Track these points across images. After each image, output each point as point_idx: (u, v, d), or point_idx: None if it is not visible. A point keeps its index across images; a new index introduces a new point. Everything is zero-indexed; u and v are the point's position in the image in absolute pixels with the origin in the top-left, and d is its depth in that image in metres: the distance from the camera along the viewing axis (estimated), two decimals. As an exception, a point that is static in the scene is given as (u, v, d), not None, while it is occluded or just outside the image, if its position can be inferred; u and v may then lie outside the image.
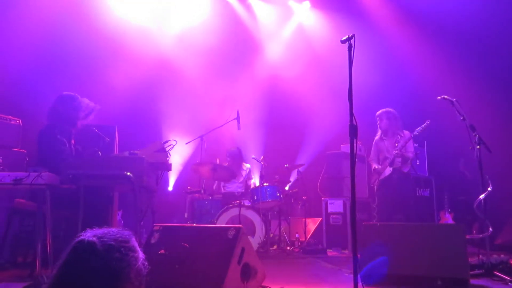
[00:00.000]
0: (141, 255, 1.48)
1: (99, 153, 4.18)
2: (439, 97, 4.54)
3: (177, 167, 7.76)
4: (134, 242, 1.48)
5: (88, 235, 1.41)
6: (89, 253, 1.37)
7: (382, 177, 5.64)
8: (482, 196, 4.14)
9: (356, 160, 2.94)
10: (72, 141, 4.18)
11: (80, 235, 1.42)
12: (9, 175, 3.37)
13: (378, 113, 5.77)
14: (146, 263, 1.49)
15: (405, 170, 5.57)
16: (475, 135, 4.23)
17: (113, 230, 1.47)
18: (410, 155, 5.59)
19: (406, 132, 5.60)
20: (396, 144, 5.50)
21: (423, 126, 5.33)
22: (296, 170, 6.81)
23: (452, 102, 4.43)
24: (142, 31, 7.92)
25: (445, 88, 5.88)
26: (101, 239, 1.40)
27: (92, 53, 7.05)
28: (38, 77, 6.66)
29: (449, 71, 7.26)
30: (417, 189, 6.31)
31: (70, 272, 1.36)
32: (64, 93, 4.26)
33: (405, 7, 7.77)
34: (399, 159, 5.51)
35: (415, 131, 5.35)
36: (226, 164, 6.67)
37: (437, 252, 3.45)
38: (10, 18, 6.41)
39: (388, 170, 5.57)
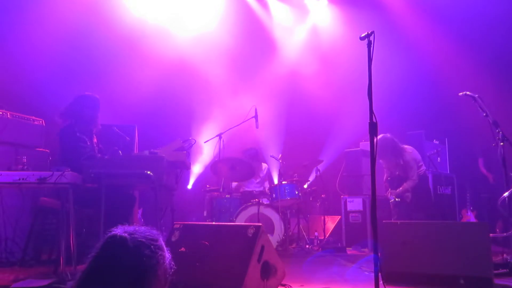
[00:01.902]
0: (168, 255, 1.51)
1: (120, 152, 4.23)
2: (461, 93, 4.46)
3: (196, 166, 7.81)
4: (162, 242, 1.51)
5: (119, 231, 1.44)
6: (120, 248, 1.40)
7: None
8: (506, 194, 4.05)
9: (376, 157, 2.91)
10: (95, 140, 4.24)
11: (111, 231, 1.45)
12: (33, 174, 3.44)
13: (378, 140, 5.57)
14: (173, 263, 1.52)
15: (407, 199, 5.37)
16: (498, 132, 4.15)
17: (143, 228, 1.50)
18: (411, 184, 5.34)
19: (406, 155, 5.38)
20: (397, 173, 5.41)
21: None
22: (315, 168, 6.78)
23: (474, 98, 4.35)
24: (161, 31, 7.99)
25: (466, 84, 5.77)
26: (132, 236, 1.43)
27: (112, 54, 7.15)
28: (59, 78, 6.77)
29: (471, 66, 7.12)
30: (438, 186, 6.20)
31: (101, 266, 1.40)
32: (83, 93, 4.32)
33: (425, 1, 7.64)
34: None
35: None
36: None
37: (460, 250, 3.39)
38: (31, 21, 6.54)
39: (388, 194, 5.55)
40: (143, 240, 1.43)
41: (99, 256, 1.41)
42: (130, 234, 1.43)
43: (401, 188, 5.36)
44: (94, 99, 4.26)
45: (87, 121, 4.16)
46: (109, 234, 1.44)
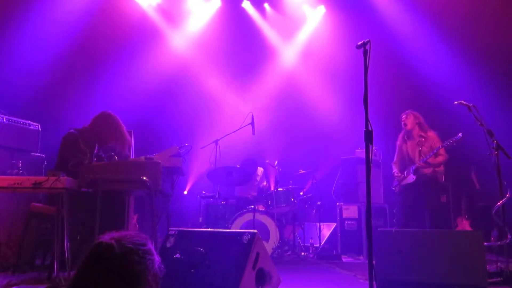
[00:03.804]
0: (157, 258, 1.49)
1: (116, 157, 4.23)
2: (456, 102, 4.49)
3: (192, 172, 7.80)
4: (151, 245, 1.49)
5: (106, 238, 1.43)
6: (107, 256, 1.38)
7: (404, 183, 5.56)
8: (500, 202, 4.07)
9: (372, 165, 2.92)
10: (96, 150, 4.21)
11: (99, 238, 1.43)
12: (28, 179, 3.43)
13: (403, 114, 5.66)
14: (162, 266, 1.50)
15: (441, 176, 5.45)
16: (493, 141, 4.17)
17: (131, 233, 1.48)
18: (441, 158, 5.40)
19: (431, 134, 5.48)
20: (420, 148, 5.38)
21: (454, 139, 5.04)
22: (310, 175, 6.79)
23: (469, 107, 4.38)
24: (158, 36, 8.02)
25: (461, 93, 5.81)
26: (119, 242, 1.41)
27: (109, 59, 7.16)
28: (56, 82, 6.78)
29: (466, 75, 7.17)
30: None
31: (88, 275, 1.38)
32: (109, 112, 4.28)
33: (423, 10, 7.69)
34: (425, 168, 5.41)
35: (444, 143, 5.17)
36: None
37: (454, 259, 3.40)
38: (28, 27, 6.55)
39: (411, 178, 5.47)
40: (131, 246, 1.41)
41: (87, 264, 1.40)
42: (117, 240, 1.41)
43: (433, 162, 5.34)
44: (116, 123, 4.23)
45: (97, 138, 4.14)
46: (95, 242, 1.42)
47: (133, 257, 1.40)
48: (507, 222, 4.15)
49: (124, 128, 4.34)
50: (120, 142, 4.24)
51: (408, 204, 5.52)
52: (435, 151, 5.26)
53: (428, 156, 5.29)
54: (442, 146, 5.22)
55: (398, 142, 5.76)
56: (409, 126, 5.57)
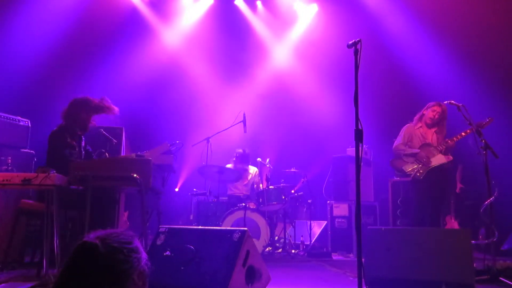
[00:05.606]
0: (144, 255, 1.47)
1: (106, 154, 4.21)
2: (446, 102, 4.53)
3: (183, 169, 7.79)
4: (137, 243, 1.46)
5: (91, 237, 1.40)
6: (91, 256, 1.36)
7: (433, 164, 4.95)
8: (488, 201, 4.12)
9: (362, 164, 2.95)
10: (83, 143, 4.20)
11: (83, 237, 1.41)
12: (18, 176, 3.41)
13: (439, 106, 5.09)
14: (149, 263, 1.48)
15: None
16: (481, 140, 4.22)
17: (117, 231, 1.45)
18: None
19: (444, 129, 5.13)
20: (439, 136, 5.07)
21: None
22: (302, 173, 6.82)
23: (458, 107, 4.42)
24: (150, 32, 7.99)
25: (452, 92, 5.85)
26: (104, 241, 1.39)
27: (100, 55, 7.11)
28: (46, 78, 6.72)
29: (457, 74, 7.23)
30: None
31: (72, 275, 1.36)
32: (78, 97, 4.24)
33: (416, 9, 7.73)
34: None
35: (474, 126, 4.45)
36: (231, 165, 6.71)
37: (442, 256, 3.44)
38: (18, 22, 6.49)
39: (444, 158, 4.96)
40: (116, 244, 1.39)
41: (71, 264, 1.38)
42: (101, 239, 1.39)
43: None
44: (87, 103, 4.18)
45: (78, 126, 4.10)
46: (79, 242, 1.40)
47: (118, 256, 1.38)
48: (495, 220, 4.20)
49: (94, 100, 4.21)
50: (93, 111, 4.16)
51: (439, 188, 5.04)
52: (468, 130, 4.76)
53: (459, 137, 4.88)
54: (470, 130, 4.67)
55: (411, 124, 5.24)
56: (438, 118, 5.08)
